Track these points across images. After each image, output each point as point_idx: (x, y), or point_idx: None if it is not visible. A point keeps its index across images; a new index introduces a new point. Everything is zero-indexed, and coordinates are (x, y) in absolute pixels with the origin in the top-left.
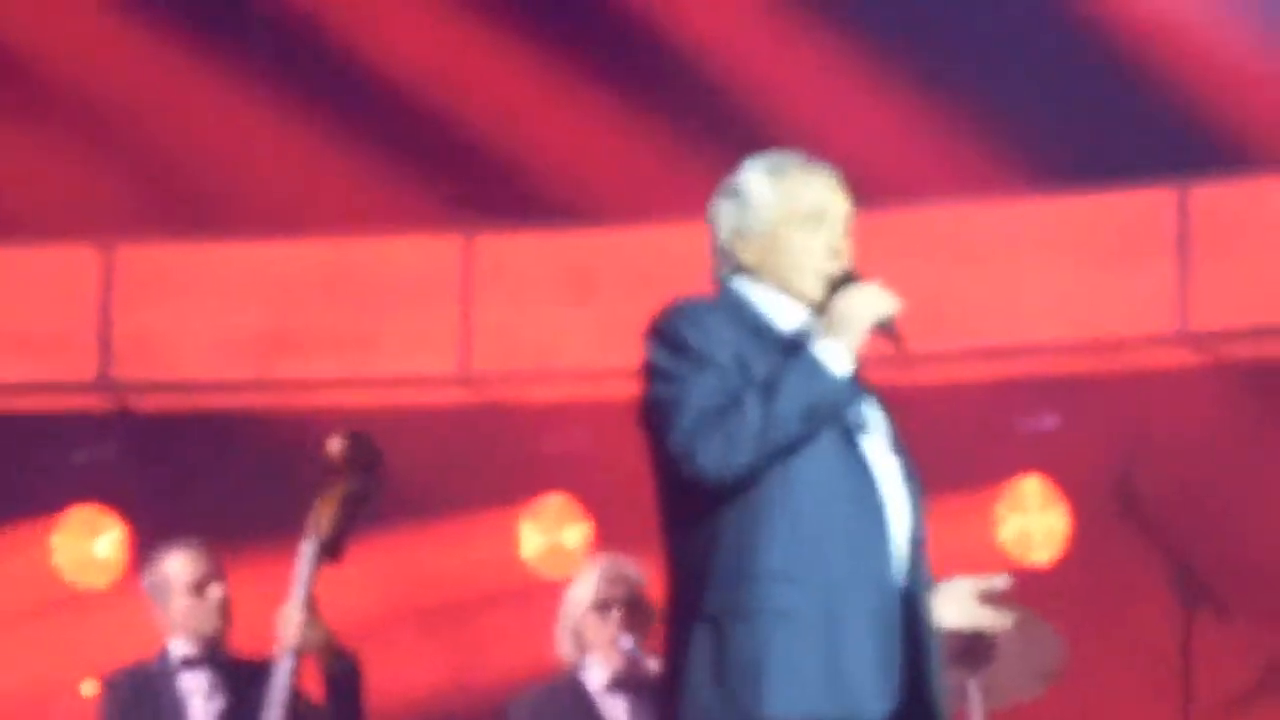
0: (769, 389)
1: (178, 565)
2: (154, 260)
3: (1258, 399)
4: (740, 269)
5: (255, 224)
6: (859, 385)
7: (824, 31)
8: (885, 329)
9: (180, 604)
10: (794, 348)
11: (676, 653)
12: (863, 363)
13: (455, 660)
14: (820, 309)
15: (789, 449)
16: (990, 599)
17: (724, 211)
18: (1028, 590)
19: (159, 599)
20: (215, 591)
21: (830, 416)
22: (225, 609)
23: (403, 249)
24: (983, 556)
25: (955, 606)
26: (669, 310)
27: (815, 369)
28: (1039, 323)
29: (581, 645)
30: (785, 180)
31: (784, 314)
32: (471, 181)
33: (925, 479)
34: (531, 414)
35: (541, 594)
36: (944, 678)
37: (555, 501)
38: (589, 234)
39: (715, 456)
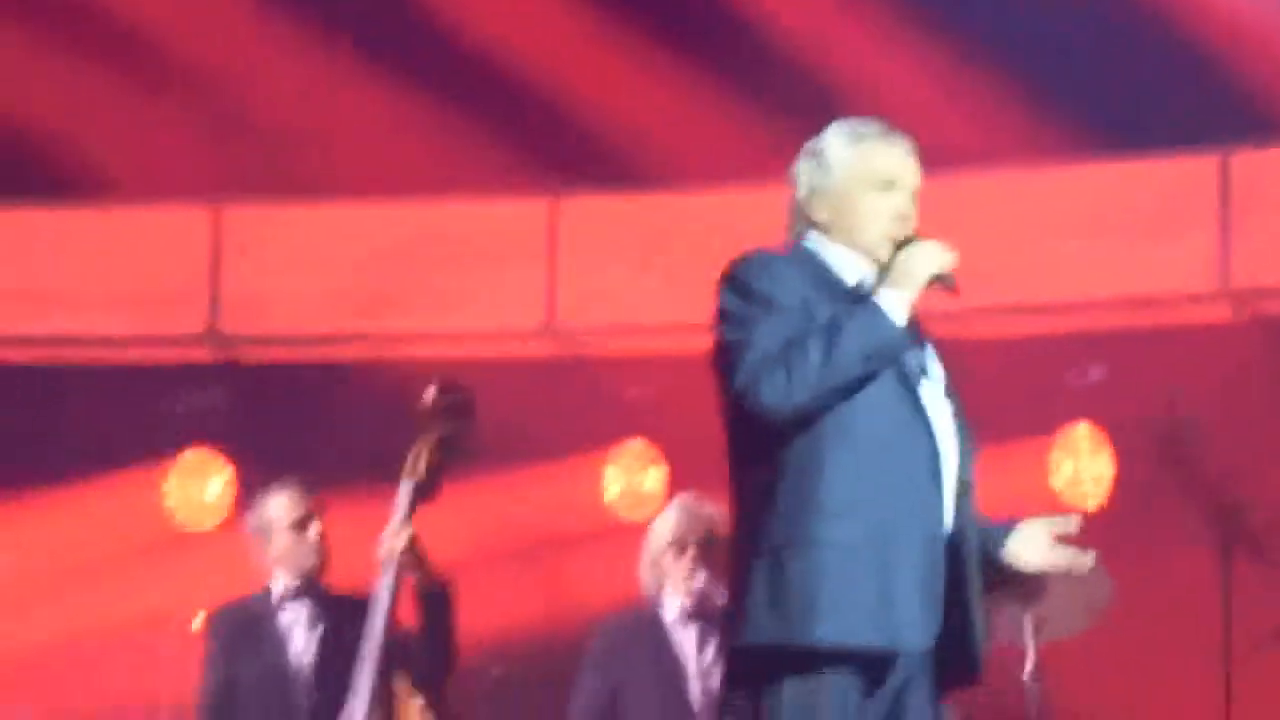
0: (831, 332)
1: (280, 505)
2: (260, 221)
3: None
4: (814, 226)
5: (355, 187)
6: (918, 335)
7: (886, 11)
8: (943, 281)
9: (281, 541)
10: (858, 297)
11: (738, 581)
12: (923, 315)
13: (542, 595)
14: (885, 268)
15: (847, 390)
16: (1065, 539)
17: (804, 170)
18: (1079, 532)
19: (262, 537)
20: (314, 529)
21: (888, 361)
22: (323, 546)
23: (492, 211)
24: (1037, 500)
25: (1032, 546)
26: (741, 258)
27: (876, 315)
28: (1088, 282)
29: (659, 578)
30: (862, 145)
31: (851, 270)
32: (556, 149)
33: (982, 428)
34: (612, 365)
35: (622, 534)
36: (985, 613)
37: (635, 447)
38: (665, 198)
39: (777, 392)
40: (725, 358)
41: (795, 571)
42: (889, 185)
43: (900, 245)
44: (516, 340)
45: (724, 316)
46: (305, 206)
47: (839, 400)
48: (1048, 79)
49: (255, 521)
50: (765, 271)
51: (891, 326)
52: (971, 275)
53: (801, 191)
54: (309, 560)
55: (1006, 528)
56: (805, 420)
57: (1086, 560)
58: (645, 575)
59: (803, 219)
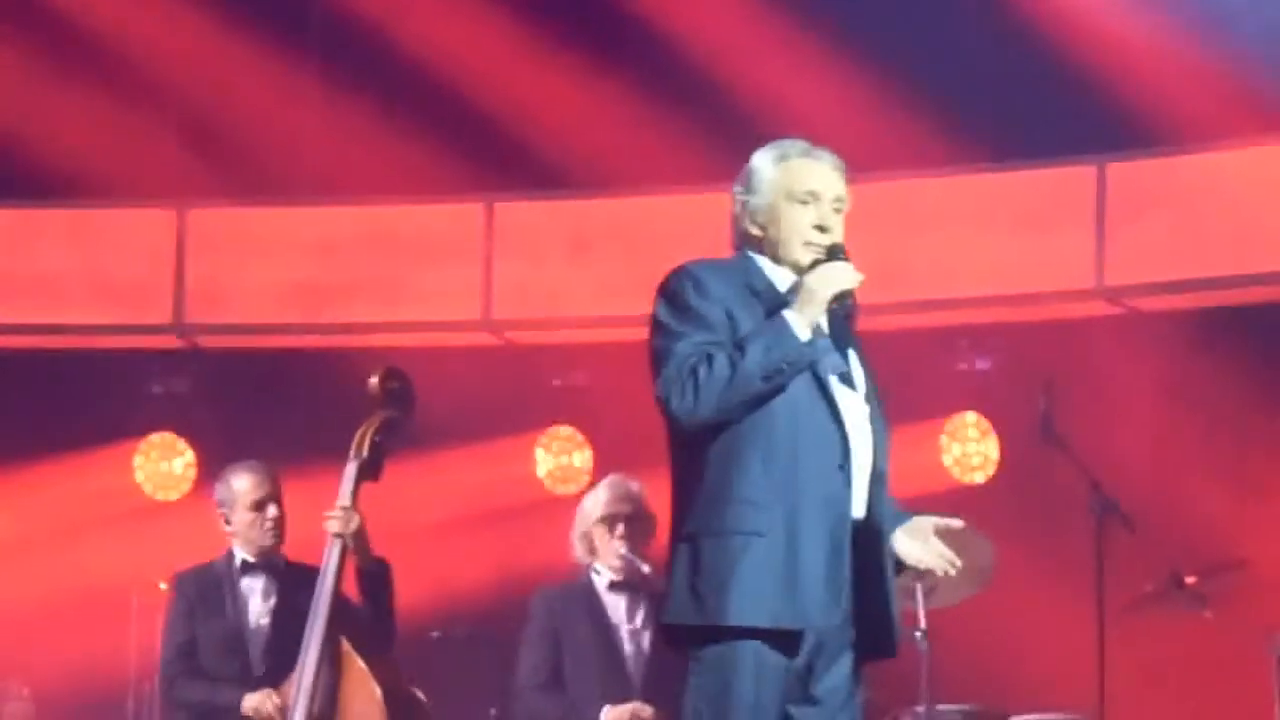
0: (740, 349)
1: (244, 483)
2: (220, 220)
3: (1160, 343)
4: (748, 239)
5: (308, 190)
6: (846, 339)
7: (794, 27)
8: (842, 301)
9: (243, 517)
10: (769, 313)
11: (667, 566)
12: (852, 317)
13: (480, 562)
14: (799, 281)
15: (755, 402)
16: (945, 536)
17: (737, 190)
18: (965, 506)
19: (225, 509)
20: (272, 510)
21: (790, 376)
22: (279, 527)
23: (434, 213)
24: (930, 476)
25: (915, 543)
26: (675, 272)
27: (780, 334)
28: (976, 279)
29: (590, 550)
30: (786, 163)
31: (783, 279)
32: (493, 155)
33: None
34: (542, 355)
35: (552, 507)
36: (898, 591)
37: (564, 430)
38: (592, 202)
39: (685, 406)
40: (654, 365)
41: (710, 557)
42: (809, 198)
43: (826, 255)
44: (455, 331)
45: (654, 325)
46: (262, 207)
47: (748, 411)
48: (941, 92)
49: (221, 493)
50: (693, 284)
51: (794, 345)
52: (873, 272)
53: (736, 208)
54: (266, 539)
55: (901, 519)
56: (722, 426)
57: (956, 563)
58: (576, 546)
59: (739, 233)
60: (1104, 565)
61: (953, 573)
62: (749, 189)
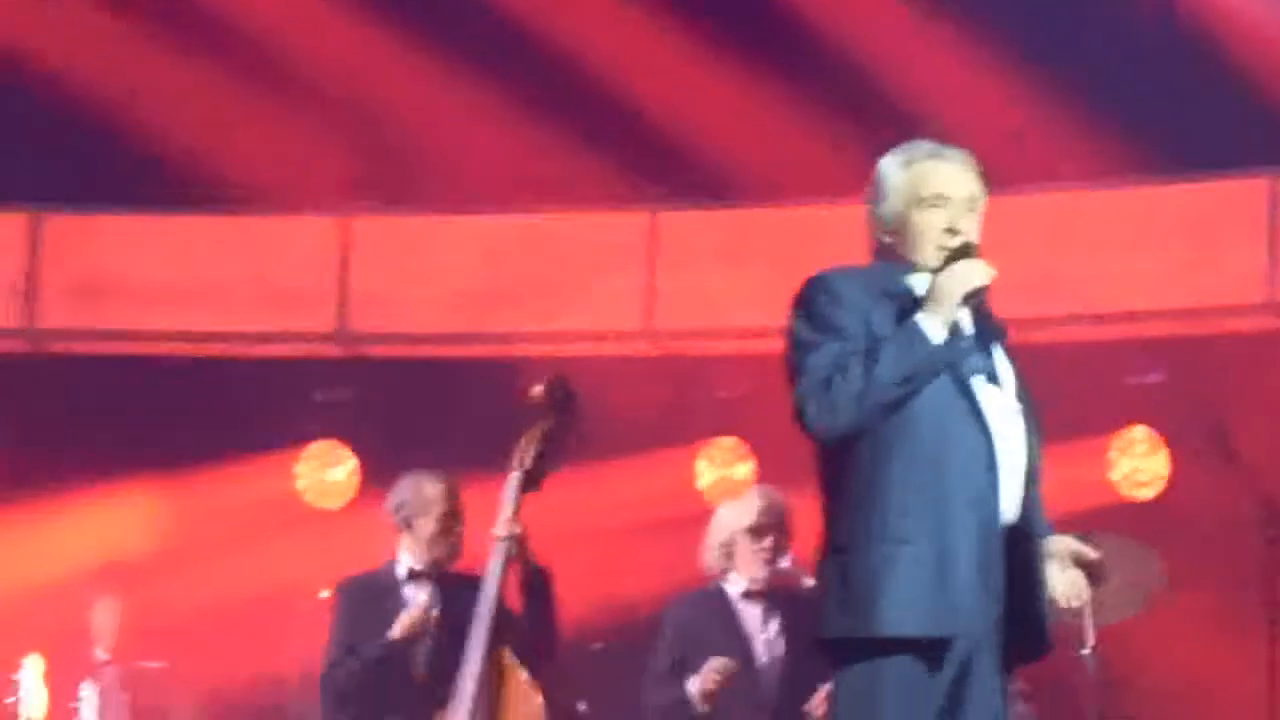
0: (870, 357)
1: (436, 492)
2: (385, 229)
3: None
4: (882, 249)
5: (471, 199)
6: (988, 339)
7: (956, 39)
8: (976, 298)
9: (429, 528)
10: (902, 317)
11: (817, 578)
12: (994, 317)
13: (641, 574)
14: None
15: (892, 407)
16: (1082, 562)
17: (868, 197)
18: (1135, 522)
19: (408, 514)
20: (459, 528)
21: (927, 379)
22: (459, 545)
23: (598, 222)
24: (1097, 493)
25: (1049, 566)
26: (809, 282)
27: (912, 338)
28: (1148, 292)
29: (729, 558)
30: (912, 168)
31: (919, 283)
32: (656, 166)
33: (1049, 428)
34: (705, 365)
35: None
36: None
37: (726, 442)
38: (755, 211)
39: (822, 417)
40: (790, 377)
41: (859, 568)
42: (939, 200)
43: (954, 256)
44: (618, 340)
45: (790, 338)
46: (427, 217)
47: (886, 416)
48: (1112, 104)
49: (405, 498)
50: (826, 294)
51: (927, 347)
52: (1039, 286)
53: (869, 216)
54: (445, 553)
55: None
56: (864, 434)
57: (1084, 597)
58: (712, 553)
59: (874, 239)
60: (1276, 584)
61: (1076, 605)
62: (877, 197)
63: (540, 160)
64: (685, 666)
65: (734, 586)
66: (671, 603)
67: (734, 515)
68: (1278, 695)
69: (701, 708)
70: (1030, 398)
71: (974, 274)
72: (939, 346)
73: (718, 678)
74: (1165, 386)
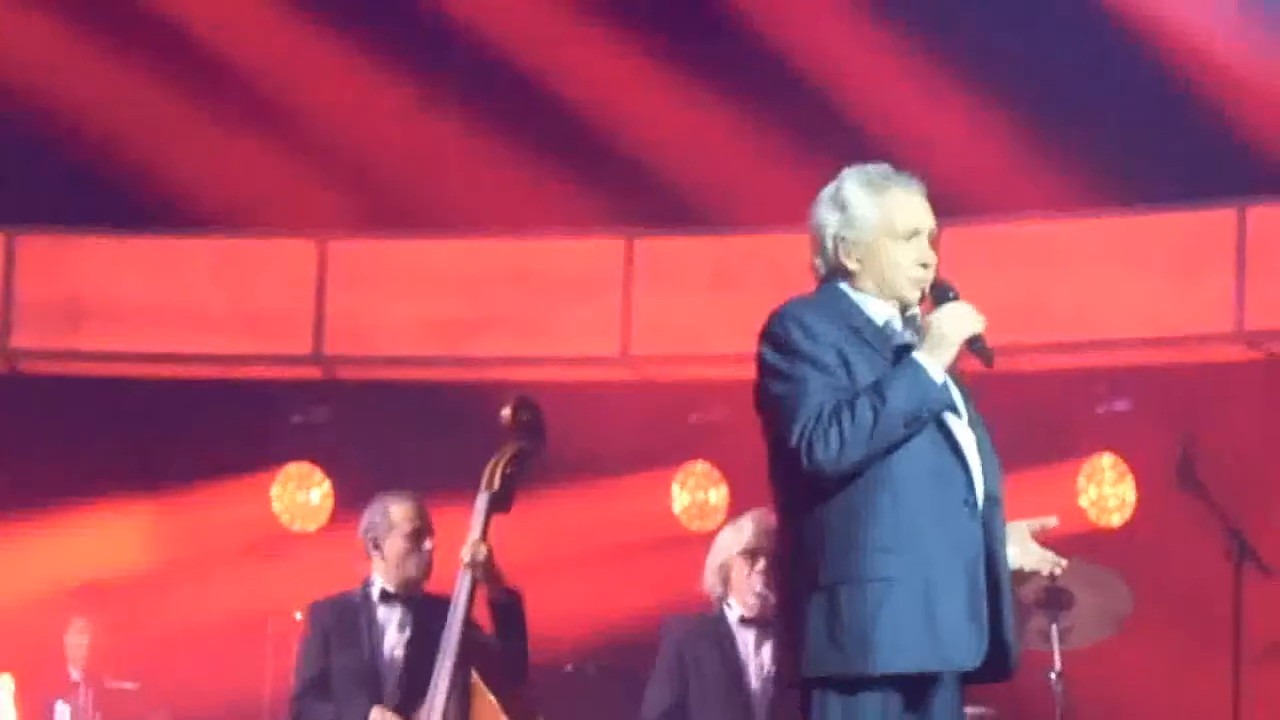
0: (876, 395)
1: (403, 512)
2: (361, 252)
3: None
4: (841, 272)
5: (449, 223)
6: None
7: (933, 69)
8: (976, 348)
9: (397, 547)
10: (897, 354)
11: (795, 616)
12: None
13: (614, 598)
14: (906, 308)
15: (893, 446)
16: (1043, 538)
17: (828, 221)
18: (1102, 549)
19: (376, 536)
20: (428, 543)
21: (930, 419)
22: (430, 562)
23: (574, 248)
24: (1065, 519)
25: (1015, 547)
26: (778, 316)
27: (919, 378)
28: (1114, 321)
29: (725, 582)
30: (884, 196)
31: (878, 311)
32: (633, 192)
33: (1017, 453)
34: (681, 391)
35: (688, 543)
36: (1020, 622)
37: (700, 467)
38: (730, 239)
39: (831, 453)
40: (773, 413)
41: (849, 607)
42: (912, 234)
43: (934, 293)
44: (594, 366)
45: (768, 371)
46: (403, 240)
47: (884, 454)
48: (1081, 135)
49: (372, 524)
50: (801, 328)
51: (933, 389)
52: (1009, 314)
53: (828, 242)
54: (416, 571)
55: None
56: (852, 474)
57: (1060, 560)
58: (710, 578)
59: (829, 264)
60: (1241, 610)
61: (1059, 571)
62: (845, 222)
63: (518, 186)
64: (685, 697)
65: (731, 612)
66: (668, 620)
67: (730, 539)
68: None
69: None
70: (984, 424)
71: (971, 320)
72: (942, 387)
73: None
74: (1133, 414)
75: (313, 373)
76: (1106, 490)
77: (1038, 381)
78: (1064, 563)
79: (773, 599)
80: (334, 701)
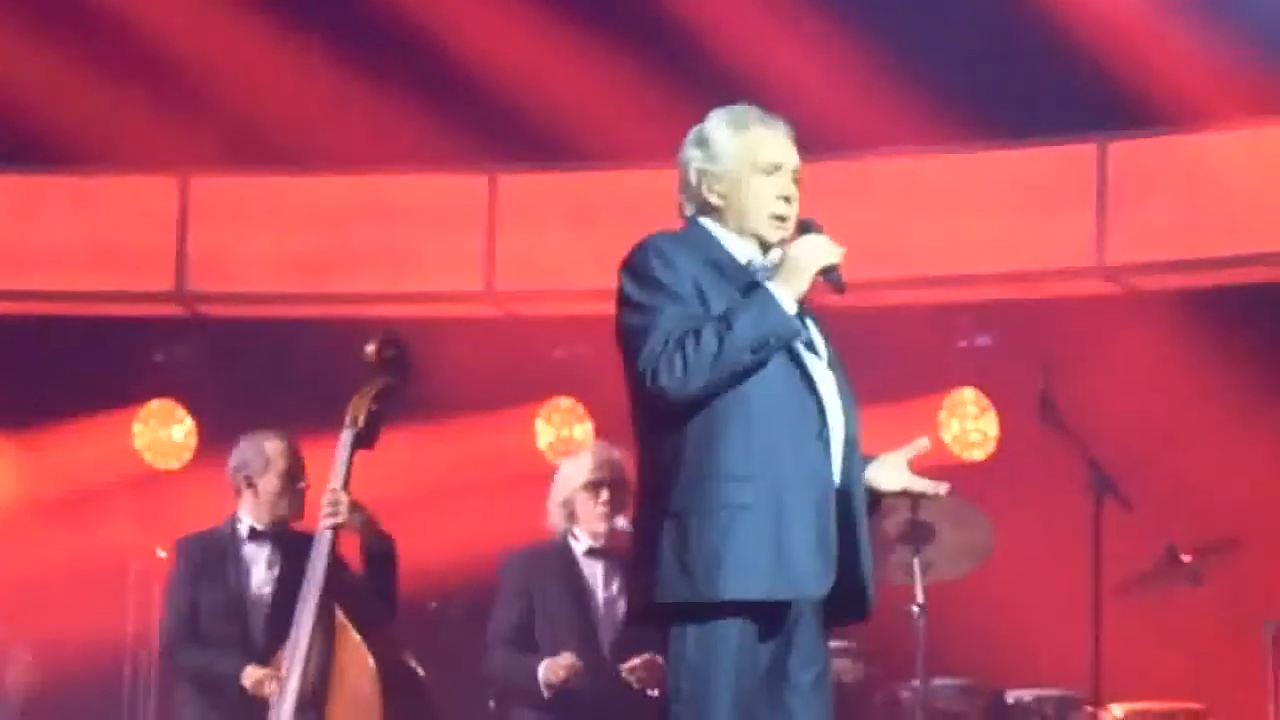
0: (724, 323)
1: (277, 451)
2: (223, 189)
3: (1159, 322)
4: (704, 208)
5: (311, 160)
6: (805, 309)
7: (794, 4)
8: (830, 278)
9: (271, 485)
10: (749, 286)
11: (646, 543)
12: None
13: (480, 535)
14: (768, 246)
15: (741, 375)
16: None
17: (693, 157)
18: (964, 482)
19: (249, 474)
20: (301, 484)
21: (777, 348)
22: (303, 501)
23: (439, 184)
24: (929, 453)
25: (891, 473)
26: (640, 247)
27: (767, 307)
28: (977, 257)
29: (570, 516)
30: (747, 133)
31: (741, 249)
32: (496, 129)
33: (880, 388)
34: (544, 327)
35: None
36: (875, 557)
37: (564, 402)
38: (594, 174)
39: (674, 379)
40: (628, 342)
41: (698, 534)
42: (773, 169)
43: (797, 231)
44: (458, 302)
45: (626, 302)
46: (265, 176)
47: (734, 384)
48: (942, 70)
49: (245, 462)
50: (661, 259)
51: (781, 318)
52: (871, 250)
53: (692, 177)
54: (289, 510)
55: (868, 459)
56: (702, 401)
57: (939, 486)
58: (555, 511)
59: (694, 201)
60: (1101, 543)
61: (943, 492)
62: (708, 157)
63: (381, 121)
64: (530, 623)
65: (578, 544)
66: (508, 558)
67: (573, 472)
68: (1101, 649)
69: (544, 693)
70: (842, 364)
71: (827, 251)
72: (791, 317)
73: (565, 675)
74: (995, 349)
75: (175, 310)
76: (969, 425)
77: (900, 316)
78: (946, 486)
79: (619, 527)
80: (203, 636)
